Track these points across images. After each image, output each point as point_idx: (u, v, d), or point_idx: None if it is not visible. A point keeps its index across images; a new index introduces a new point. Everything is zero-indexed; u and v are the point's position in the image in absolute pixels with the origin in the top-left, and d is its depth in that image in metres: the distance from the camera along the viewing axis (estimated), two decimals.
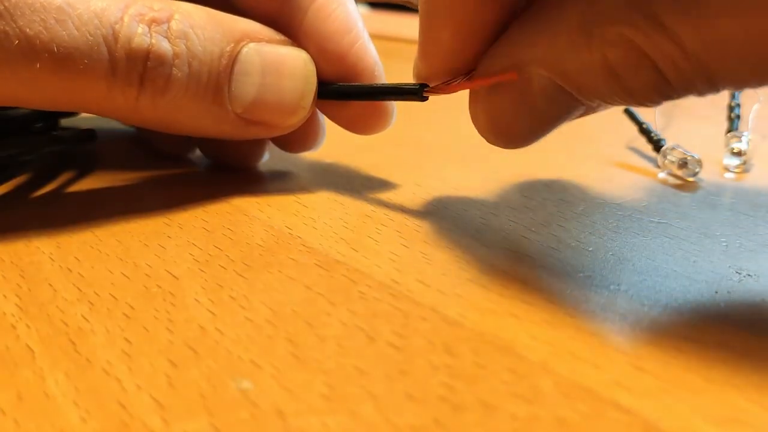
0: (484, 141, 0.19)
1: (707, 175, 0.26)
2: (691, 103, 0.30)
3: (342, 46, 0.22)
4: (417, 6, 0.55)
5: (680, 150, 0.25)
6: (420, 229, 0.20)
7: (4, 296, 0.16)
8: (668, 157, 0.25)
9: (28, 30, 0.18)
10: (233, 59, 0.21)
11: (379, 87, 0.22)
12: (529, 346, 0.14)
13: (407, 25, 0.51)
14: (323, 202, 0.22)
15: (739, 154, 0.26)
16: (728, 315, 0.15)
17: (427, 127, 0.31)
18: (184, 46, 0.20)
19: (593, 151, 0.29)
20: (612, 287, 0.16)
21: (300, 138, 0.24)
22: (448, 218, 0.21)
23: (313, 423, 0.12)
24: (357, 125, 0.23)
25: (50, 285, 0.17)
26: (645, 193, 0.23)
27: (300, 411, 0.12)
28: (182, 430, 0.12)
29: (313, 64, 0.22)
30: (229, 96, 0.21)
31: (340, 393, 0.13)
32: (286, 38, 0.22)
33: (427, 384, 0.13)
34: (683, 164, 0.24)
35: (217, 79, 0.20)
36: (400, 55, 0.55)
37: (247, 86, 0.21)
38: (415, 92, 0.20)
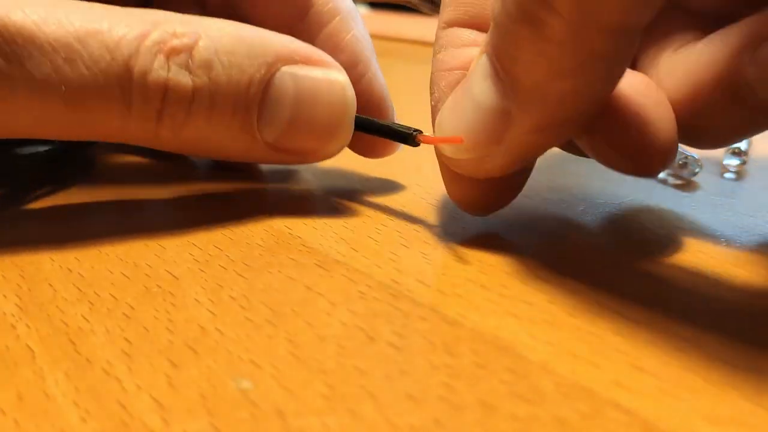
0: None
1: (707, 175, 0.26)
2: None
3: (350, 77, 0.20)
4: (416, 6, 0.55)
5: (680, 150, 0.25)
6: (420, 229, 0.20)
7: (4, 296, 0.16)
8: None
9: (36, 73, 0.17)
10: (264, 86, 0.19)
11: (376, 124, 0.21)
12: (529, 346, 0.14)
13: (407, 25, 0.51)
14: (323, 202, 0.22)
15: (738, 153, 0.26)
16: (728, 315, 0.15)
17: (427, 127, 0.31)
18: (206, 78, 0.18)
19: None
20: (611, 287, 0.16)
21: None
22: (448, 218, 0.21)
23: (314, 423, 0.12)
24: (363, 150, 0.23)
25: (50, 285, 0.17)
26: (644, 194, 0.23)
27: (300, 411, 0.12)
28: (182, 430, 0.12)
29: (352, 89, 0.20)
30: (259, 124, 0.19)
31: (340, 393, 0.13)
32: (325, 57, 0.20)
33: (427, 384, 0.13)
34: (683, 164, 0.24)
35: (245, 108, 0.19)
36: (399, 55, 0.55)
37: (278, 115, 0.19)
38: (407, 138, 0.20)
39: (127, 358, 0.14)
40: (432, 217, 0.21)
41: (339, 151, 0.21)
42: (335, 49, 0.21)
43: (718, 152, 0.28)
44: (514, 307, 0.16)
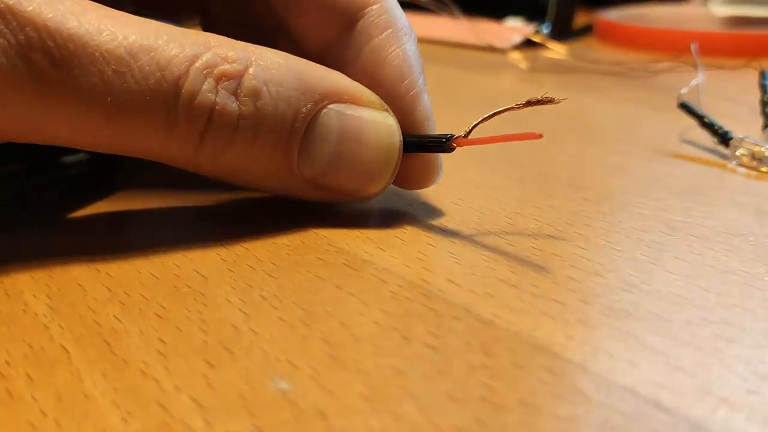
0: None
1: (740, 171, 0.26)
2: (711, 104, 0.30)
3: (394, 94, 0.20)
4: (426, 5, 0.55)
5: (750, 141, 0.25)
6: (446, 228, 0.20)
7: (34, 296, 0.16)
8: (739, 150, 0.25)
9: (83, 81, 0.16)
10: (308, 121, 0.19)
11: (408, 140, 0.20)
12: (566, 346, 0.14)
13: (414, 24, 0.51)
14: (346, 202, 0.22)
15: None
16: (762, 313, 0.15)
17: (447, 126, 0.31)
18: (253, 106, 0.18)
19: (610, 149, 0.29)
20: (644, 287, 0.16)
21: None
22: (473, 217, 0.21)
23: (356, 424, 0.12)
24: (400, 180, 0.21)
25: (80, 285, 0.17)
26: (667, 192, 0.23)
27: (342, 412, 0.12)
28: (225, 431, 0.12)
29: (400, 133, 0.19)
30: (299, 159, 0.19)
31: (380, 393, 0.13)
32: (374, 98, 0.19)
33: (467, 384, 0.13)
34: (758, 156, 0.25)
35: (287, 142, 0.18)
36: None
37: (320, 152, 0.19)
38: (442, 144, 0.19)
39: (163, 358, 0.14)
40: (457, 217, 0.21)
41: (380, 193, 0.20)
42: (380, 63, 0.20)
43: None
44: (547, 307, 0.16)
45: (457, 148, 0.19)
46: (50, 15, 0.16)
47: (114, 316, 0.15)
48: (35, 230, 0.20)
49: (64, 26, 0.16)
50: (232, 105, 0.18)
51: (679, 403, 0.12)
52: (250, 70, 0.18)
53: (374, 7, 0.20)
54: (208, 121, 0.18)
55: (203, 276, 0.17)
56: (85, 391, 0.13)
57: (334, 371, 0.13)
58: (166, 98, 0.17)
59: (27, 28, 0.16)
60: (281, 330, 0.15)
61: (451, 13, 0.49)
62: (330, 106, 0.19)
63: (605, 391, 0.13)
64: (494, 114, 0.19)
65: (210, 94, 0.17)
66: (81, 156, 0.23)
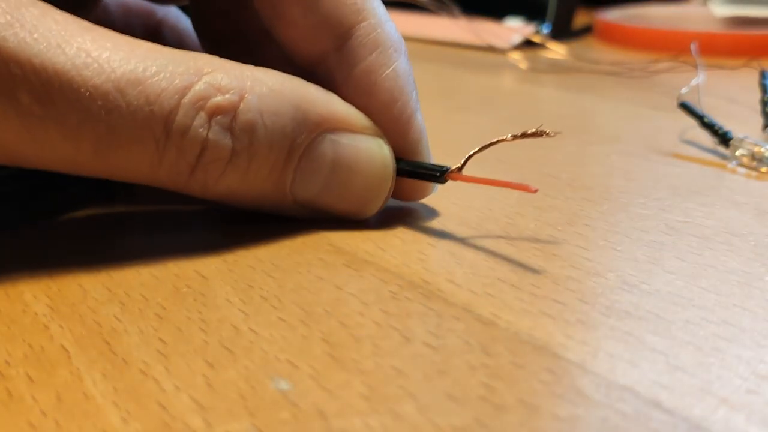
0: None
1: (740, 171, 0.26)
2: (712, 105, 0.30)
3: (387, 118, 0.20)
4: (426, 5, 0.55)
5: (750, 141, 0.25)
6: (445, 228, 0.20)
7: (34, 296, 0.16)
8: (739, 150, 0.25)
9: (69, 118, 0.16)
10: (302, 151, 0.18)
11: (402, 165, 0.20)
12: (566, 346, 0.14)
13: (414, 24, 0.51)
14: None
15: None
16: (762, 313, 0.15)
17: (446, 126, 0.31)
18: (247, 141, 0.18)
19: (610, 149, 0.29)
20: (644, 287, 0.16)
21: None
22: (474, 217, 0.21)
23: (356, 424, 0.12)
24: (396, 194, 0.21)
25: (80, 285, 0.17)
26: (667, 192, 0.23)
27: (342, 411, 0.12)
28: (225, 431, 0.12)
29: (393, 161, 0.20)
30: (292, 185, 0.19)
31: (380, 393, 0.13)
32: (370, 125, 0.19)
33: (467, 384, 0.13)
34: (758, 156, 0.25)
35: (281, 171, 0.18)
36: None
37: (312, 179, 0.19)
38: (436, 177, 0.20)
39: (163, 358, 0.14)
40: (457, 217, 0.21)
41: (371, 214, 0.20)
42: (372, 87, 0.20)
43: None
44: (547, 307, 0.16)
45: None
46: (35, 50, 0.16)
47: (114, 316, 0.15)
48: (35, 230, 0.20)
49: (50, 62, 0.16)
50: (226, 141, 0.17)
51: (679, 403, 0.12)
52: (245, 101, 0.17)
53: (363, 24, 0.20)
54: (200, 155, 0.17)
55: (203, 276, 0.17)
56: (85, 391, 0.13)
57: (334, 371, 0.13)
58: (155, 133, 0.17)
59: (11, 65, 0.15)
60: (281, 330, 0.15)
61: (451, 13, 0.49)
62: (325, 135, 0.19)
63: (605, 391, 0.13)
64: (488, 145, 0.19)
65: (202, 130, 0.17)
66: None
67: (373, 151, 0.19)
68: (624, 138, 0.30)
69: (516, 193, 0.22)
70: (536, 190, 0.18)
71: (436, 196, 0.22)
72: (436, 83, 0.40)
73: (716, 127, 0.27)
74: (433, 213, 0.21)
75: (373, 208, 0.20)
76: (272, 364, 0.14)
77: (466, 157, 0.19)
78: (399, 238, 0.19)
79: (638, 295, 0.16)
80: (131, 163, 0.17)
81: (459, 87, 0.40)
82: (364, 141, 0.19)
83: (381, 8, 0.20)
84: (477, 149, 0.19)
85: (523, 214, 0.21)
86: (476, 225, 0.20)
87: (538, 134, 0.18)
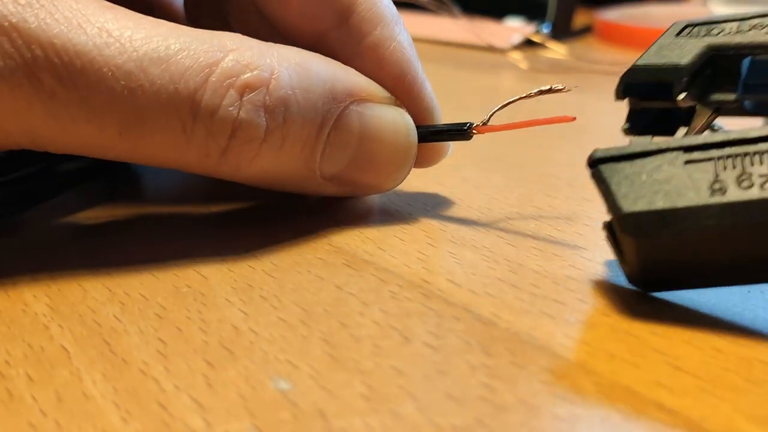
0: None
1: None
2: None
3: (399, 89, 0.20)
4: (426, 5, 0.55)
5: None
6: (445, 228, 0.20)
7: (34, 296, 0.16)
8: None
9: (92, 99, 0.16)
10: (331, 124, 0.18)
11: (426, 129, 0.20)
12: (566, 346, 0.14)
13: (414, 24, 0.51)
14: (346, 201, 0.22)
15: None
16: (762, 314, 0.15)
17: None
18: (281, 119, 0.17)
19: None
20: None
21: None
22: (473, 217, 0.21)
23: (356, 423, 0.12)
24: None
25: (80, 285, 0.17)
26: None
27: (342, 411, 0.12)
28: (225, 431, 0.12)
29: (415, 129, 0.20)
30: (321, 160, 0.18)
31: (380, 393, 0.13)
32: (389, 95, 0.19)
33: (467, 384, 0.13)
34: None
35: (312, 148, 0.18)
36: None
37: (341, 153, 0.19)
38: (462, 132, 0.20)
39: (162, 358, 0.14)
40: (457, 217, 0.21)
41: (395, 186, 0.20)
42: (380, 62, 0.20)
43: None
44: (547, 307, 0.16)
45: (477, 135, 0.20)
46: (56, 30, 0.15)
47: (114, 316, 0.15)
48: (35, 230, 0.20)
49: (71, 42, 0.15)
50: (260, 120, 0.17)
51: (679, 403, 0.12)
52: (276, 77, 0.17)
53: (362, 0, 0.20)
54: (231, 137, 0.17)
55: (203, 276, 0.17)
56: (85, 391, 0.13)
57: (334, 371, 0.13)
58: (181, 113, 0.16)
59: (33, 46, 0.15)
60: (281, 330, 0.15)
61: (451, 13, 0.49)
62: (351, 107, 0.18)
63: (605, 391, 0.13)
64: (510, 102, 0.19)
65: (232, 109, 0.16)
66: (83, 163, 0.23)
67: (397, 120, 0.19)
68: (624, 138, 0.30)
69: (516, 192, 0.22)
70: (574, 119, 0.18)
71: (437, 196, 0.22)
72: (436, 83, 0.40)
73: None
74: (433, 213, 0.21)
75: (398, 179, 0.20)
76: (272, 364, 0.14)
77: (491, 113, 0.19)
78: (399, 238, 0.19)
79: (638, 294, 0.16)
80: (158, 146, 0.17)
81: (459, 87, 0.40)
82: (388, 111, 0.19)
83: None
84: (500, 106, 0.19)
85: (523, 214, 0.21)
86: (476, 225, 0.20)
87: (552, 91, 0.19)
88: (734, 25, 0.17)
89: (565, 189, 0.23)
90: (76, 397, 0.13)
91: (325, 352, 0.14)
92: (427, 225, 0.20)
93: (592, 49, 0.50)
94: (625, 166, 0.15)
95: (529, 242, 0.19)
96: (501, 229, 0.20)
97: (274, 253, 0.18)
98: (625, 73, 0.17)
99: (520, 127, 0.19)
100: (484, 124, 0.19)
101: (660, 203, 0.14)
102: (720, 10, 0.52)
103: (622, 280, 0.17)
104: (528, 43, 0.48)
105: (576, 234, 0.19)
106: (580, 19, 0.55)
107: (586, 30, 0.54)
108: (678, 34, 0.18)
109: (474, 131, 0.20)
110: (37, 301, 0.16)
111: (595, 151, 0.15)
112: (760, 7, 0.17)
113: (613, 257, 0.18)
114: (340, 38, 0.20)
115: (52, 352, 0.14)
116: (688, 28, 0.18)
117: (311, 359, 0.14)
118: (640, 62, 0.17)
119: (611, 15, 0.54)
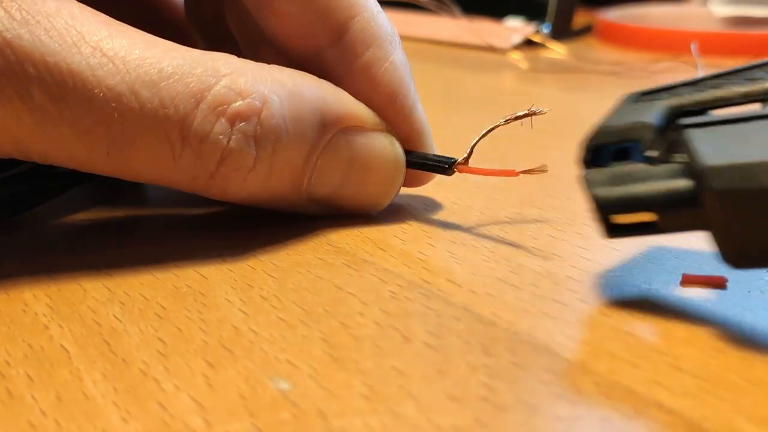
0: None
1: None
2: None
3: (390, 111, 0.20)
4: (426, 5, 0.55)
5: None
6: (445, 228, 0.20)
7: (34, 296, 0.16)
8: None
9: (82, 118, 0.16)
10: (320, 152, 0.18)
11: (412, 158, 0.20)
12: (566, 346, 0.14)
13: (414, 24, 0.51)
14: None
15: None
16: (762, 314, 0.15)
17: (445, 125, 0.31)
18: (271, 149, 0.17)
19: None
20: (644, 287, 0.16)
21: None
22: (473, 217, 0.21)
23: (356, 424, 0.12)
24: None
25: (80, 285, 0.17)
26: None
27: (342, 411, 0.12)
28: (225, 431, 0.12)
29: (404, 156, 0.20)
30: (308, 185, 0.19)
31: (380, 393, 0.13)
32: (380, 121, 0.20)
33: (467, 384, 0.13)
34: None
35: (300, 173, 0.18)
36: (407, 53, 0.54)
37: (328, 178, 0.19)
38: (444, 169, 0.20)
39: (163, 358, 0.14)
40: (457, 217, 0.21)
41: (382, 208, 0.21)
42: (372, 83, 0.19)
43: None
44: (547, 307, 0.16)
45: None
46: (50, 48, 0.15)
47: (114, 316, 0.15)
48: (35, 230, 0.20)
49: (64, 62, 0.15)
50: (249, 149, 0.17)
51: (679, 403, 0.12)
52: (268, 106, 0.17)
53: (357, 18, 0.19)
54: (220, 163, 0.17)
55: (203, 276, 0.17)
56: (85, 391, 0.13)
57: (334, 371, 0.13)
58: (170, 137, 0.16)
59: (26, 64, 0.15)
60: (281, 330, 0.15)
61: (451, 13, 0.49)
62: (340, 134, 0.19)
63: (605, 391, 0.13)
64: (489, 131, 0.20)
65: (222, 137, 0.17)
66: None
67: (386, 148, 0.20)
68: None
69: (516, 192, 0.22)
70: (546, 170, 0.19)
71: (437, 196, 0.22)
72: (436, 83, 0.40)
73: None
74: (433, 213, 0.21)
75: (385, 202, 0.20)
76: (272, 364, 0.14)
77: (471, 146, 0.19)
78: (399, 238, 0.19)
79: (638, 294, 0.16)
80: (145, 166, 0.17)
81: (459, 87, 0.40)
82: (376, 138, 0.19)
83: (372, 0, 0.20)
84: (478, 138, 0.19)
85: (523, 214, 0.21)
86: (476, 225, 0.20)
87: (529, 114, 0.19)
88: (690, 88, 0.17)
89: (566, 189, 0.23)
90: (76, 397, 0.13)
91: (325, 352, 0.14)
92: (427, 225, 0.20)
93: (592, 49, 0.50)
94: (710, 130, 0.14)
95: (529, 242, 0.19)
96: (501, 230, 0.20)
97: (274, 253, 0.18)
98: (591, 137, 0.17)
99: (497, 175, 0.19)
100: (466, 161, 0.20)
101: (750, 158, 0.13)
102: (720, 10, 0.52)
103: (622, 280, 0.17)
104: (528, 43, 0.48)
105: (576, 234, 0.19)
106: (580, 19, 0.55)
107: (586, 30, 0.54)
108: (636, 101, 0.18)
109: (455, 169, 0.20)
110: (37, 301, 0.16)
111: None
112: (714, 69, 0.17)
113: (613, 258, 0.18)
114: (334, 56, 0.20)
115: (52, 352, 0.14)
116: (645, 95, 0.18)
117: (311, 359, 0.14)
118: (604, 124, 0.17)
119: (611, 15, 0.54)
